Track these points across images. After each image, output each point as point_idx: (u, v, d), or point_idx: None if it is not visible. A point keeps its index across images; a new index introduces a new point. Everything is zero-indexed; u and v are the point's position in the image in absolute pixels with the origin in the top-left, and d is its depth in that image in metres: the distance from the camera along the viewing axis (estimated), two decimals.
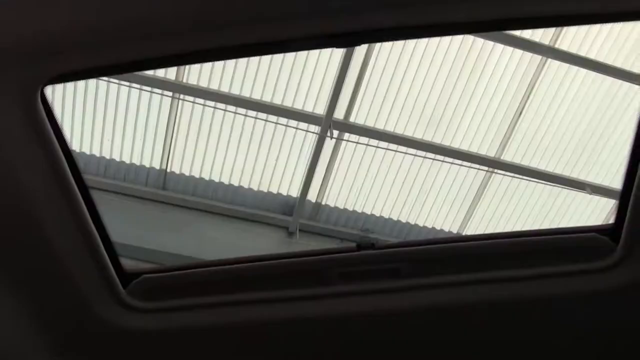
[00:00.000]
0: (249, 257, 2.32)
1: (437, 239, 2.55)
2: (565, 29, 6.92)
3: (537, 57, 7.19)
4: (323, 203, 8.22)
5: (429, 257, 2.22)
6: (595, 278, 2.17)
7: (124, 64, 1.64)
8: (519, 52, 7.11)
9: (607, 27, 6.97)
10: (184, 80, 7.17)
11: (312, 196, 8.09)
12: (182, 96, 7.28)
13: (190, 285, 2.25)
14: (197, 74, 7.12)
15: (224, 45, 1.55)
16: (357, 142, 7.68)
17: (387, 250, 2.24)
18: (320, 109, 7.36)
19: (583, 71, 7.29)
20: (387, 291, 2.21)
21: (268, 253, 2.36)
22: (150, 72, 7.06)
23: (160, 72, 7.10)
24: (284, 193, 8.10)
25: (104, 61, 1.60)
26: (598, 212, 8.37)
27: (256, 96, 7.27)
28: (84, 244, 1.97)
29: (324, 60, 7.03)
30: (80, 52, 1.52)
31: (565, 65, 7.26)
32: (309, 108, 7.39)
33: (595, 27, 6.96)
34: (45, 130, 1.69)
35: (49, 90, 1.68)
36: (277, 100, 7.32)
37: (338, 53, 6.89)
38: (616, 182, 8.04)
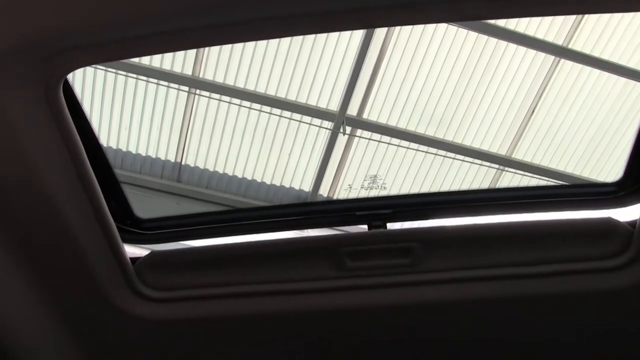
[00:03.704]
0: (260, 207, 2.25)
1: (448, 202, 2.49)
2: (579, 28, 6.94)
3: (550, 57, 7.20)
4: (335, 197, 8.26)
5: (438, 237, 2.20)
6: (610, 276, 2.16)
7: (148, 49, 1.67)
8: (532, 51, 7.12)
9: (621, 28, 6.96)
10: (200, 76, 7.25)
11: (323, 191, 8.15)
12: (198, 91, 7.36)
13: (197, 262, 2.25)
14: (213, 69, 7.19)
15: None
16: (370, 139, 7.73)
17: (397, 230, 2.23)
18: (334, 106, 7.42)
19: (596, 71, 7.28)
20: (396, 284, 2.20)
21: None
22: (167, 67, 7.15)
23: (177, 67, 7.17)
24: (296, 187, 8.17)
25: (126, 51, 1.62)
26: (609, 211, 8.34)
27: (271, 92, 7.34)
28: (99, 229, 1.99)
29: (339, 57, 7.08)
30: (102, 42, 1.54)
31: (579, 65, 7.25)
32: (322, 104, 7.45)
33: (610, 28, 6.96)
34: (66, 121, 1.71)
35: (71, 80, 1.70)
36: (292, 96, 7.39)
37: (353, 50, 6.95)
38: None
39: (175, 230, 2.37)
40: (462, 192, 3.55)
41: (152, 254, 2.21)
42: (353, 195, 8.22)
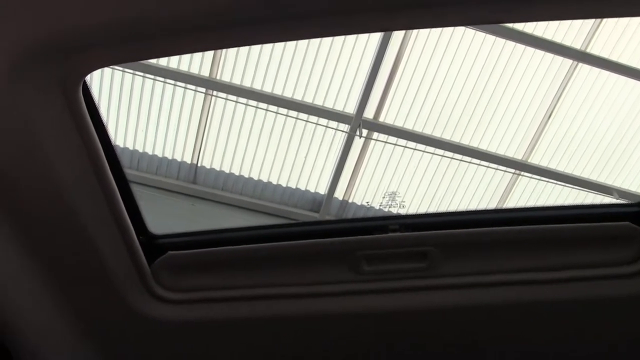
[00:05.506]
0: (274, 225, 2.26)
1: (466, 218, 2.45)
2: (597, 32, 6.90)
3: (568, 61, 7.16)
4: (350, 201, 8.26)
5: (455, 241, 2.19)
6: (628, 282, 2.15)
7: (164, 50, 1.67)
8: (549, 55, 7.09)
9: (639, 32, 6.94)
10: (218, 77, 7.28)
11: (339, 194, 8.15)
12: (215, 92, 7.38)
13: (214, 263, 2.24)
14: (230, 70, 7.21)
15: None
16: (386, 142, 7.72)
17: (414, 234, 2.20)
18: (351, 108, 7.42)
19: (614, 75, 7.23)
20: (412, 288, 2.20)
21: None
22: (184, 68, 7.18)
23: (194, 69, 7.20)
24: (312, 190, 8.18)
25: (145, 52, 1.63)
26: None
27: (287, 94, 7.35)
28: (116, 229, 2.00)
29: (356, 60, 7.08)
30: (120, 44, 1.55)
31: (597, 70, 7.20)
32: (339, 107, 7.45)
33: (628, 32, 6.91)
34: (85, 121, 1.72)
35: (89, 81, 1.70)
36: (308, 99, 7.39)
37: (370, 53, 6.95)
38: None
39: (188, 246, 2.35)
40: (482, 211, 3.50)
41: (169, 255, 2.20)
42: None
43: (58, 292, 2.08)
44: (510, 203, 8.29)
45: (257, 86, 7.29)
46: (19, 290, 2.01)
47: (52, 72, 1.57)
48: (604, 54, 7.05)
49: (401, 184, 8.10)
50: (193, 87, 7.32)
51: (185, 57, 7.06)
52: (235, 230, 2.42)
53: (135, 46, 1.57)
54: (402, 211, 8.18)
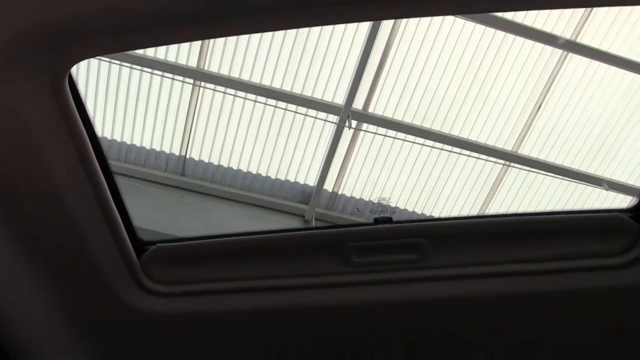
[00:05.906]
0: (262, 230, 2.29)
1: (457, 216, 2.47)
2: (588, 22, 6.89)
3: (558, 51, 7.15)
4: (339, 192, 8.24)
5: (447, 232, 2.20)
6: (618, 273, 2.16)
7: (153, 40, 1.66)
8: (539, 45, 7.08)
9: (630, 21, 6.92)
10: (205, 68, 7.23)
11: (329, 185, 8.12)
12: (203, 83, 7.34)
13: (203, 255, 2.25)
14: (218, 61, 7.17)
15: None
16: (375, 133, 7.70)
17: (405, 225, 2.22)
18: (340, 99, 7.39)
19: (604, 66, 7.22)
20: (403, 280, 2.19)
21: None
22: (172, 59, 7.13)
23: (182, 59, 7.15)
24: (301, 181, 8.14)
25: (132, 42, 1.61)
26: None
27: (276, 85, 7.31)
28: (104, 222, 1.99)
29: (345, 50, 7.05)
30: (107, 34, 1.53)
31: (586, 60, 7.19)
32: (328, 98, 7.42)
33: (618, 21, 6.91)
34: (72, 112, 1.71)
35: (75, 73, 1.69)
36: (297, 90, 7.36)
37: (359, 43, 6.92)
38: (634, 179, 8.01)
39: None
40: (474, 217, 3.53)
41: (158, 247, 2.19)
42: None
43: (52, 289, 2.07)
44: (500, 194, 8.30)
45: (245, 77, 7.25)
46: (14, 289, 2.00)
47: (39, 63, 1.55)
48: (594, 44, 7.04)
49: (391, 175, 8.09)
50: (181, 78, 7.27)
51: (173, 48, 7.02)
52: (224, 236, 2.40)
53: (125, 36, 1.55)
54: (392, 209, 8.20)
